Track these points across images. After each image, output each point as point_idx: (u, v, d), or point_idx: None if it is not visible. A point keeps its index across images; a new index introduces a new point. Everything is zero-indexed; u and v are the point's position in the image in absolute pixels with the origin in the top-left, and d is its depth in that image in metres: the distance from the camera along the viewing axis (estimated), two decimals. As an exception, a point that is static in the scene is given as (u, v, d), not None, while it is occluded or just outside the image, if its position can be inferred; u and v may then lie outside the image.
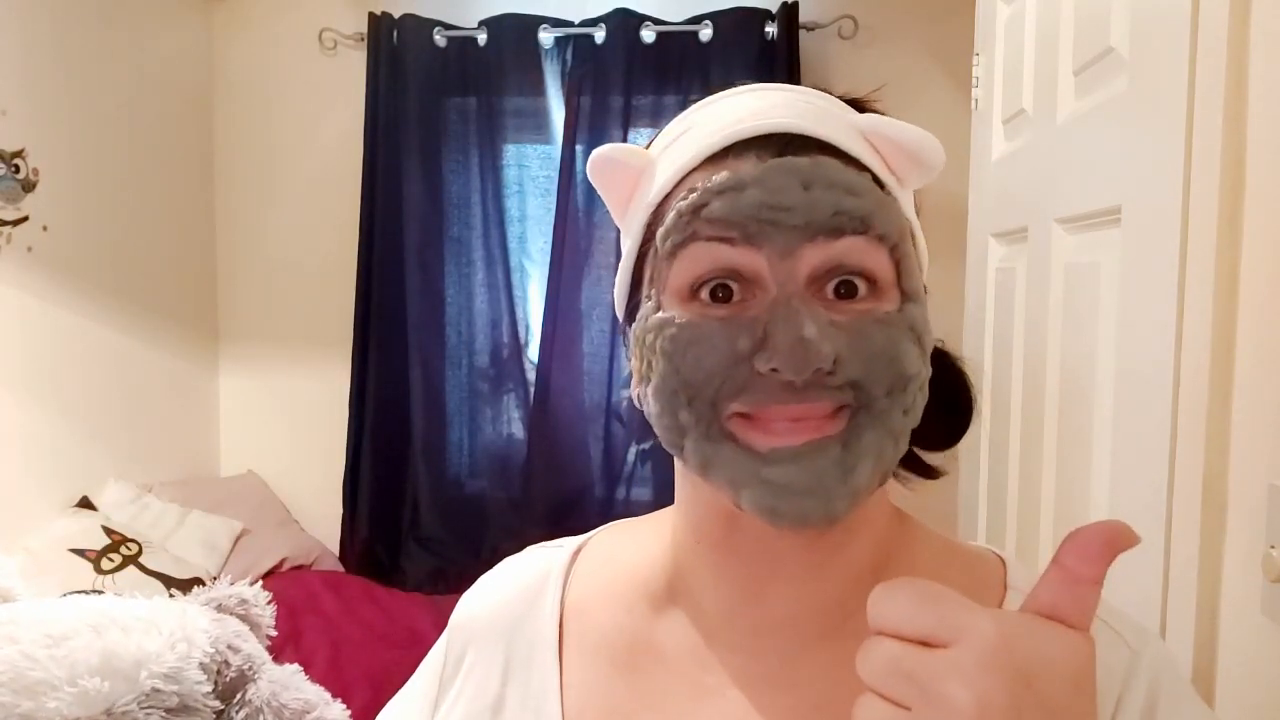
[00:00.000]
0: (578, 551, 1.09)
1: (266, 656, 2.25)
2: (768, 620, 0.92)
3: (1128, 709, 0.84)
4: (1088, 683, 0.66)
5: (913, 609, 0.65)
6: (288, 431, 4.97)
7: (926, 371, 0.84)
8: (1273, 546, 1.22)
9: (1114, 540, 0.67)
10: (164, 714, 1.91)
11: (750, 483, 0.80)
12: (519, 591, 1.07)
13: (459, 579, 4.01)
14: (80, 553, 3.59)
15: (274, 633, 2.33)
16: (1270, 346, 1.24)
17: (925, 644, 0.64)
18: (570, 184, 4.52)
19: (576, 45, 4.55)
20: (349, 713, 2.33)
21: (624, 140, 4.03)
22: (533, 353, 4.70)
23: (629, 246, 0.92)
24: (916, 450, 0.94)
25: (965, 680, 0.61)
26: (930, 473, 0.99)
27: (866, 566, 0.92)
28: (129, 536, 3.78)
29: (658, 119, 4.49)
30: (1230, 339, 1.32)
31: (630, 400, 0.93)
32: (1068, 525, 1.77)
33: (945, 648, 0.63)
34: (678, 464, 0.92)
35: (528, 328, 4.74)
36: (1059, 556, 0.68)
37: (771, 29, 4.38)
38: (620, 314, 0.96)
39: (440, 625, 1.13)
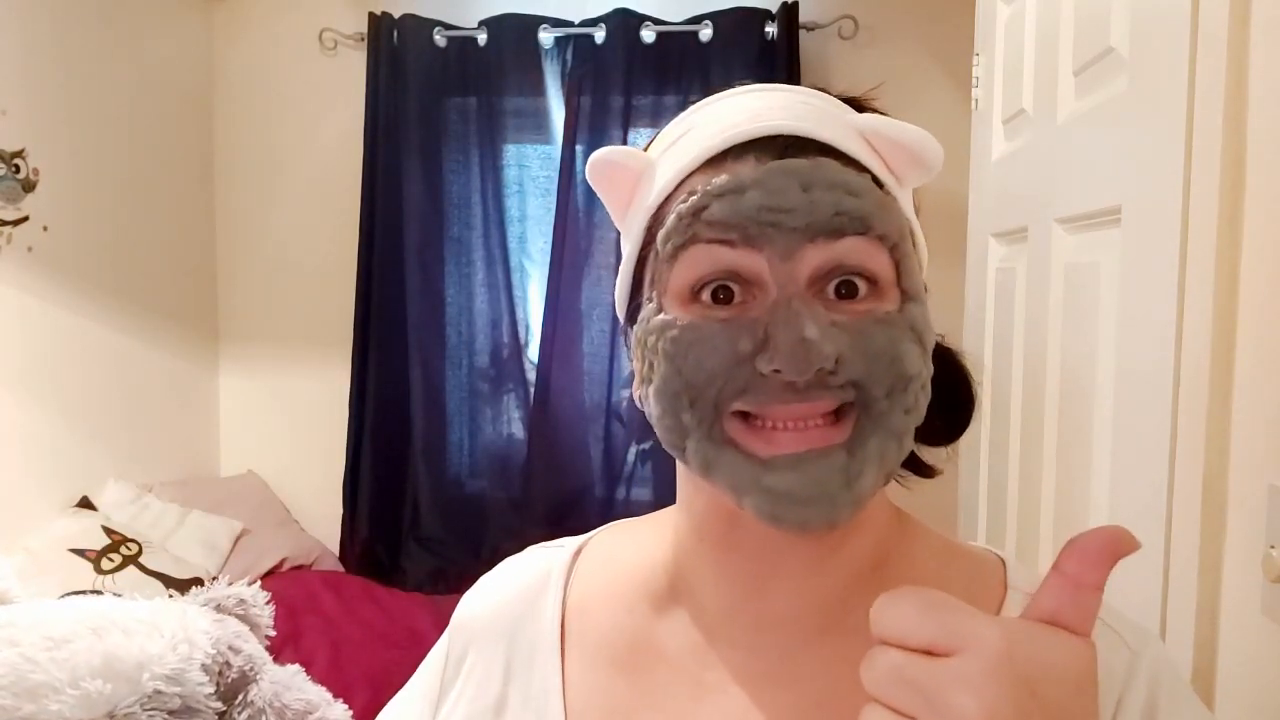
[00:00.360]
0: (578, 551, 1.09)
1: (267, 657, 2.26)
2: (769, 617, 0.92)
3: (1128, 710, 0.84)
4: (1091, 688, 0.66)
5: (916, 618, 0.65)
6: (288, 431, 4.97)
7: (928, 371, 0.84)
8: (1273, 546, 1.22)
9: (1115, 546, 0.67)
10: (166, 716, 1.92)
11: (751, 489, 0.80)
12: (520, 592, 1.07)
13: (459, 579, 4.03)
14: (80, 553, 3.59)
15: (273, 633, 2.33)
16: (1270, 346, 1.24)
17: (929, 653, 0.64)
18: (570, 184, 4.52)
19: (576, 45, 4.55)
20: (350, 713, 2.33)
21: (624, 140, 4.10)
22: (533, 353, 4.70)
23: (629, 249, 0.92)
24: (918, 446, 0.95)
25: (971, 689, 0.61)
26: (927, 471, 0.99)
27: (867, 564, 0.93)
28: (129, 536, 3.78)
29: (658, 119, 4.49)
30: (1230, 339, 1.32)
31: (630, 400, 0.93)
32: (1067, 525, 1.79)
33: (950, 656, 0.63)
34: (679, 463, 0.92)
35: (528, 328, 4.74)
36: (1060, 563, 0.69)
37: (771, 29, 4.38)
38: (621, 316, 0.97)
39: (440, 625, 1.13)
